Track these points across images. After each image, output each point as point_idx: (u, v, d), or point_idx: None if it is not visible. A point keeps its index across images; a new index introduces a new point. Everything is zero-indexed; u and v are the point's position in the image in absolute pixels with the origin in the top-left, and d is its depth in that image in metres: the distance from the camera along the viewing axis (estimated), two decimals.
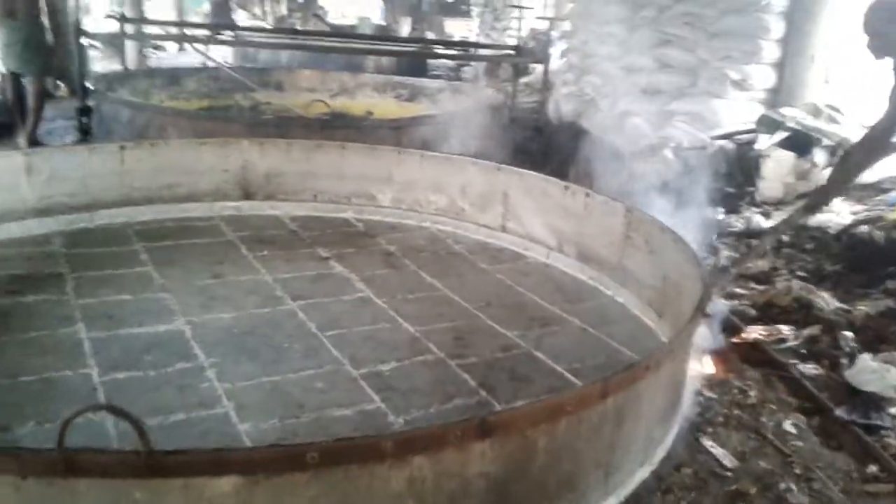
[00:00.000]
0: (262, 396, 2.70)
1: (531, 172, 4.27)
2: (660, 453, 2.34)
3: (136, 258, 3.92)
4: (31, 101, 7.06)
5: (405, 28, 23.50)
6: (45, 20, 6.99)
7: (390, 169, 4.67)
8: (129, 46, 13.55)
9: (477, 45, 8.85)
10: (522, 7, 8.40)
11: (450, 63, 12.88)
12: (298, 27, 20.75)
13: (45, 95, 7.22)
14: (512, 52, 8.66)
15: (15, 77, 7.07)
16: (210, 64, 9.10)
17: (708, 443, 2.53)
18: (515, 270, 4.09)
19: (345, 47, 8.86)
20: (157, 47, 16.61)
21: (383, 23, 26.50)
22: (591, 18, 8.21)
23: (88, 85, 6.74)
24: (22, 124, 7.00)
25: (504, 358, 3.08)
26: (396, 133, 5.76)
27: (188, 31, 10.88)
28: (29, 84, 7.12)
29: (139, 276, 3.69)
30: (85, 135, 6.91)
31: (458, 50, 9.46)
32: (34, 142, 6.96)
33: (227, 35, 11.19)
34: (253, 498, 1.62)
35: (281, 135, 5.36)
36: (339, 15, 30.87)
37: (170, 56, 15.54)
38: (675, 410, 2.48)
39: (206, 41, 8.87)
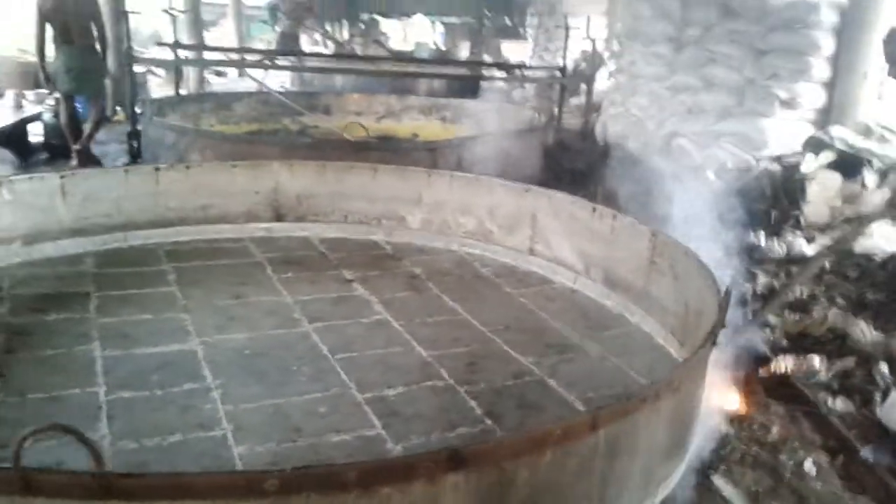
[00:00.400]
0: (263, 419, 2.67)
1: (559, 194, 4.18)
2: (662, 492, 2.22)
3: (163, 278, 3.97)
4: (90, 119, 7.41)
5: (464, 52, 23.67)
6: (98, 46, 7.26)
7: (420, 190, 4.64)
8: (191, 72, 14.04)
9: (520, 67, 8.77)
10: (568, 27, 8.29)
11: (502, 85, 12.89)
12: (359, 52, 21.15)
13: (102, 118, 7.50)
14: (558, 73, 8.59)
15: (69, 99, 7.39)
16: (264, 89, 9.30)
17: (719, 481, 2.39)
18: (540, 295, 4.00)
19: (392, 71, 8.92)
20: (219, 73, 17.12)
21: (443, 48, 26.78)
22: (638, 38, 8.09)
23: (137, 109, 6.92)
24: (75, 144, 7.27)
25: (515, 385, 2.99)
26: (432, 155, 5.73)
27: (246, 57, 11.13)
28: (88, 105, 7.49)
29: (163, 296, 3.72)
30: (134, 158, 7.11)
31: (501, 72, 9.41)
32: (87, 156, 7.20)
33: (284, 61, 11.46)
34: None
35: (318, 157, 5.39)
36: (400, 40, 31.32)
37: (230, 81, 15.96)
38: (683, 446, 2.36)
39: (265, 66, 9.06)
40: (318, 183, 4.74)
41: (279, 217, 4.78)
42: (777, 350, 3.35)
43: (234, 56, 10.16)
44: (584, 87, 12.15)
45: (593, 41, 8.27)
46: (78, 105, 7.46)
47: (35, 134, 7.84)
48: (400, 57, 14.83)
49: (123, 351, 3.12)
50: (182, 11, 8.18)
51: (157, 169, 4.56)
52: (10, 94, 8.21)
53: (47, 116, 7.69)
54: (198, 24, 15.02)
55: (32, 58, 14.19)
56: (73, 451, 2.40)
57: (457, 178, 4.57)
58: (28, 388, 2.78)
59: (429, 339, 3.37)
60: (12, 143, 7.24)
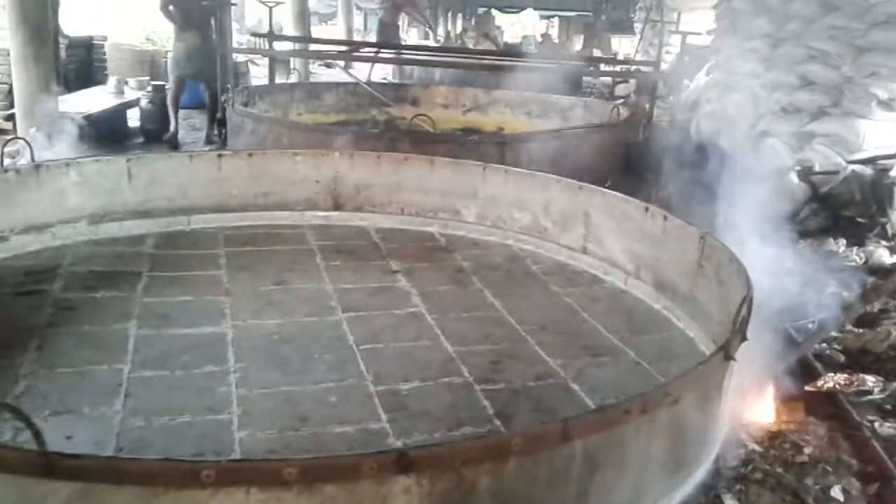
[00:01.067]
0: (272, 406, 2.68)
1: (613, 193, 4.01)
2: None
3: (215, 262, 4.06)
4: (208, 104, 7.95)
5: (577, 45, 23.36)
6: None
7: (475, 184, 4.57)
8: (296, 63, 14.40)
9: (608, 61, 8.53)
10: (664, 21, 8.00)
11: (607, 81, 12.60)
12: (472, 46, 21.17)
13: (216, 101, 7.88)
14: (649, 68, 8.30)
15: (181, 83, 7.90)
16: (354, 80, 9.43)
17: (730, 502, 2.22)
18: (587, 295, 3.85)
19: (473, 63, 8.87)
20: (328, 65, 17.50)
21: (555, 41, 26.52)
22: (735, 33, 7.71)
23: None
24: (176, 124, 7.82)
25: (535, 387, 2.89)
26: (500, 149, 5.63)
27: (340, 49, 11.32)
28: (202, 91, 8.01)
29: (209, 279, 3.80)
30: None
31: (589, 65, 9.18)
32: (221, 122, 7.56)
33: (367, 52, 11.56)
34: None
35: (387, 147, 5.41)
36: (515, 35, 31.20)
37: (338, 72, 16.27)
38: (689, 463, 2.20)
39: (350, 58, 9.20)
40: (375, 173, 4.73)
41: (338, 206, 4.80)
42: (832, 365, 3.09)
43: (329, 48, 10.31)
44: (688, 84, 11.75)
45: (683, 36, 7.93)
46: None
47: (132, 119, 8.24)
48: (494, 51, 14.73)
49: (157, 331, 3.20)
50: (278, 2, 8.33)
51: (220, 155, 4.67)
52: (112, 81, 8.65)
53: (144, 103, 8.06)
54: (304, 15, 15.41)
55: (150, 47, 15.00)
56: (87, 426, 2.51)
57: (511, 173, 4.47)
58: (59, 363, 2.89)
59: (458, 334, 3.30)
60: (110, 127, 7.61)
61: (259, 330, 3.27)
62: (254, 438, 2.48)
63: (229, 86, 6.89)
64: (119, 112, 7.95)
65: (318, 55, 9.67)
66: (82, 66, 10.33)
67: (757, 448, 2.51)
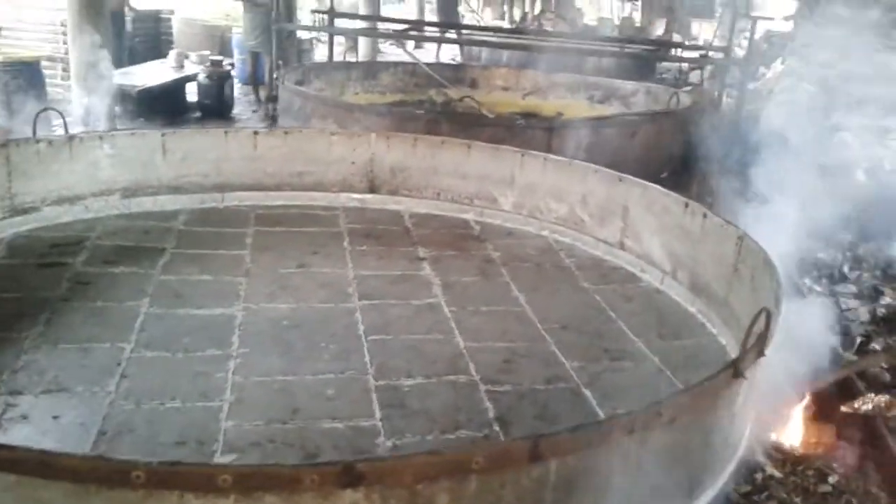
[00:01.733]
0: (266, 395, 2.59)
1: (654, 185, 3.78)
2: None
3: (241, 241, 4.00)
4: (266, 75, 8.19)
5: (659, 29, 22.71)
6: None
7: (513, 171, 4.39)
8: (362, 42, 14.37)
9: (676, 46, 8.18)
10: (737, 6, 7.61)
11: (683, 66, 12.14)
12: (549, 28, 20.79)
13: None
14: (719, 54, 7.92)
15: (254, 56, 8.19)
16: (412, 59, 9.31)
17: None
18: (619, 294, 3.65)
19: (548, 46, 8.64)
20: (401, 45, 17.42)
21: (637, 24, 25.82)
22: (812, 20, 7.27)
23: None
24: (257, 96, 8.05)
25: (543, 391, 2.72)
26: (547, 135, 5.43)
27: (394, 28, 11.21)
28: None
29: (231, 259, 3.75)
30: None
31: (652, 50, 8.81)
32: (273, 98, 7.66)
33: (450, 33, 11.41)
34: None
35: (431, 130, 5.28)
36: (591, 16, 30.47)
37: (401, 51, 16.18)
38: (691, 489, 2.01)
39: (408, 37, 9.07)
40: (411, 156, 4.60)
41: (373, 189, 4.70)
42: (876, 384, 2.83)
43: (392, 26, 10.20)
44: (764, 71, 11.22)
45: (754, 21, 7.51)
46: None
47: (190, 93, 8.30)
48: (565, 33, 14.37)
49: (167, 310, 3.16)
50: None
51: (256, 133, 4.61)
52: (172, 54, 8.74)
53: (202, 77, 8.11)
54: None
55: (221, 23, 15.19)
56: (76, 405, 2.47)
57: (550, 161, 4.28)
58: (63, 338, 2.87)
59: (473, 329, 3.16)
60: (167, 100, 7.68)
61: (270, 314, 3.19)
62: (240, 429, 2.40)
63: (280, 62, 6.83)
64: (176, 86, 8.02)
65: (377, 33, 9.52)
66: (149, 40, 10.49)
67: (776, 473, 2.30)
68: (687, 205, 3.51)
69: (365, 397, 2.61)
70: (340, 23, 9.67)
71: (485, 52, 13.81)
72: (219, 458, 2.23)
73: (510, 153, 4.40)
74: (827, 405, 2.62)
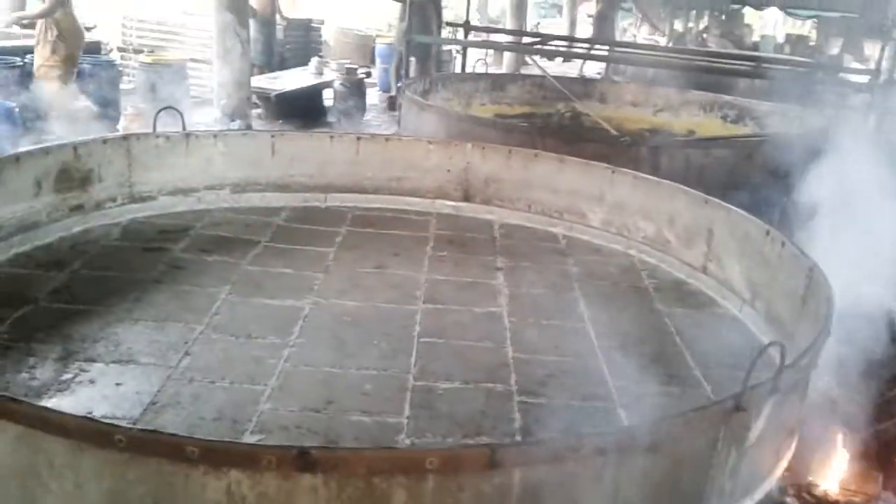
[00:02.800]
0: (308, 384, 2.74)
1: (738, 210, 3.64)
2: None
3: (332, 239, 4.21)
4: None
5: (835, 49, 21.50)
6: None
7: (602, 188, 4.35)
8: (506, 56, 14.53)
9: (826, 67, 7.73)
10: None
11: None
12: (713, 46, 20.20)
13: None
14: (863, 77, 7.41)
15: (399, 59, 8.66)
16: (541, 72, 9.33)
17: None
18: (692, 318, 3.54)
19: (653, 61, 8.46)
20: (550, 58, 17.45)
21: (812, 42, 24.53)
22: None
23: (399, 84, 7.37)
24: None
25: (578, 407, 2.70)
26: (654, 154, 5.32)
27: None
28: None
29: (317, 255, 3.95)
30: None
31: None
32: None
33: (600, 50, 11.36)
34: (80, 463, 1.69)
35: (533, 144, 5.31)
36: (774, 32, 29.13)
37: (554, 65, 16.20)
38: None
39: (538, 52, 9.13)
40: (505, 168, 4.66)
41: (467, 197, 4.78)
42: None
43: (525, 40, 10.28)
44: None
45: None
46: None
47: (327, 98, 8.74)
48: (722, 52, 13.88)
49: (243, 298, 3.39)
50: None
51: (359, 139, 4.82)
52: (313, 62, 9.23)
53: (337, 84, 8.52)
54: (520, 8, 15.50)
55: (373, 32, 15.83)
56: (139, 376, 2.71)
57: (640, 179, 4.20)
58: (145, 315, 3.15)
59: (527, 340, 3.18)
60: (303, 104, 8.14)
61: (335, 309, 3.36)
62: (275, 413, 2.55)
63: (402, 72, 7.08)
64: (314, 91, 8.47)
65: (504, 47, 9.63)
66: (300, 47, 11.13)
67: None
68: (768, 232, 3.36)
69: (399, 395, 2.70)
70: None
71: (630, 69, 13.63)
72: (247, 437, 2.39)
73: (600, 169, 4.36)
74: (882, 453, 2.44)
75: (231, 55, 6.54)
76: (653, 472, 1.83)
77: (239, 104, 6.57)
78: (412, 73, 9.58)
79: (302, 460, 1.58)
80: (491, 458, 1.63)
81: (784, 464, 2.30)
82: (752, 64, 8.49)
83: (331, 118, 8.71)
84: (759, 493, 2.16)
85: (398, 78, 9.02)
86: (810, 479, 2.33)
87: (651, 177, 4.20)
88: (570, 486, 1.73)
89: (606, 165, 4.35)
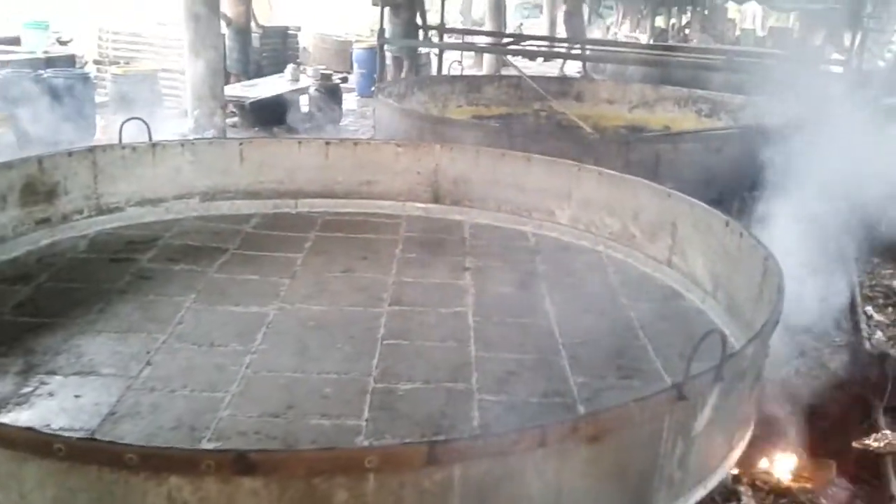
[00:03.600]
0: (269, 390, 2.74)
1: (700, 203, 3.67)
2: None
3: (300, 245, 4.21)
4: None
5: (818, 41, 21.62)
6: None
7: (569, 185, 4.37)
8: (486, 57, 14.55)
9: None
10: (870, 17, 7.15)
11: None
12: (695, 42, 20.26)
13: None
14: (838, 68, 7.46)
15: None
16: (524, 74, 9.36)
17: None
18: (657, 312, 3.56)
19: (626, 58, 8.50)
20: (531, 58, 17.48)
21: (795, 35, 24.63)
22: None
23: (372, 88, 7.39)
24: None
25: (537, 404, 2.72)
26: (624, 150, 5.34)
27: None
28: None
29: (284, 261, 3.96)
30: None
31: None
32: None
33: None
34: (23, 473, 1.69)
35: (510, 143, 5.32)
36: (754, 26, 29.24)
37: (537, 66, 16.24)
38: None
39: (559, 55, 9.16)
40: (473, 168, 4.68)
41: (437, 199, 4.80)
42: None
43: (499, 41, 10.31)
44: None
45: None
46: None
47: (304, 105, 8.74)
48: (698, 48, 13.97)
49: (208, 306, 3.39)
50: None
51: (328, 143, 4.83)
52: (289, 69, 9.23)
53: (312, 90, 8.53)
54: (500, 9, 15.52)
55: (352, 38, 15.83)
56: (98, 387, 2.71)
57: (605, 176, 4.22)
58: (108, 327, 3.15)
59: (490, 339, 3.19)
60: (278, 111, 8.14)
61: (300, 314, 3.36)
62: (233, 419, 2.56)
63: (375, 76, 7.09)
64: (288, 98, 8.47)
65: (481, 48, 9.67)
66: (276, 54, 11.13)
67: None
68: (727, 223, 3.39)
69: (359, 398, 2.71)
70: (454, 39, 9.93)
71: (609, 66, 13.68)
72: (204, 445, 2.40)
73: (566, 166, 4.38)
74: (838, 440, 2.47)
75: (202, 64, 6.54)
76: (597, 464, 1.84)
77: (212, 100, 6.55)
78: (393, 76, 9.64)
79: (241, 463, 1.59)
80: (430, 454, 1.64)
81: (738, 452, 2.32)
82: (722, 58, 8.54)
83: (307, 124, 8.70)
84: (712, 482, 2.18)
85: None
86: (764, 467, 2.35)
87: (615, 172, 4.21)
88: (512, 479, 1.75)
89: (572, 162, 4.37)
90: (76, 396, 2.64)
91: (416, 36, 9.46)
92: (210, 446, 2.38)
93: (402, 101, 7.52)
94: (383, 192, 4.84)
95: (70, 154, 4.15)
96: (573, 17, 14.59)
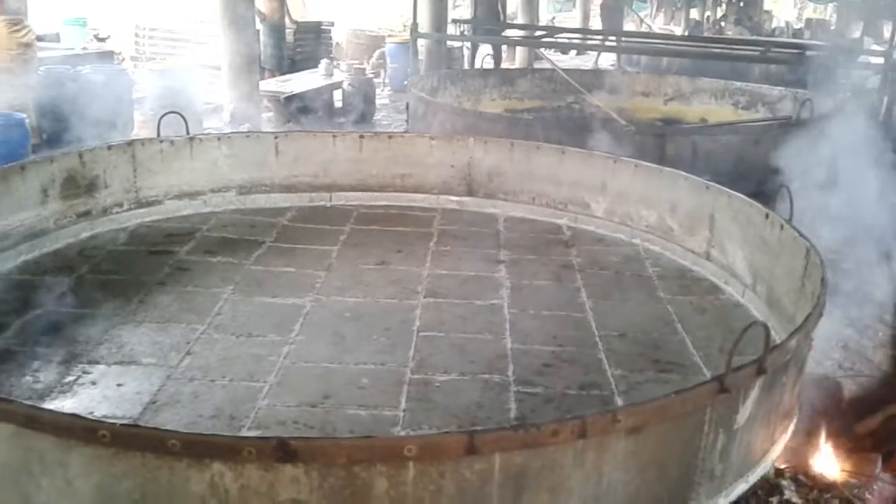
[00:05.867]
0: (306, 380, 2.76)
1: (739, 195, 3.61)
2: None
3: (335, 237, 4.23)
4: None
5: (856, 32, 21.25)
6: None
7: (605, 177, 4.33)
8: (518, 50, 14.49)
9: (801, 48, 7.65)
10: None
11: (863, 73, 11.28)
12: (730, 33, 20.01)
13: None
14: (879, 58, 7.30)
15: None
16: (550, 65, 9.31)
17: None
18: (695, 305, 3.52)
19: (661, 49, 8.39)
20: (563, 52, 17.37)
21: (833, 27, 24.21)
22: None
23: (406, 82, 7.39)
24: None
25: (574, 396, 2.71)
26: (660, 142, 5.29)
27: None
28: None
29: (320, 253, 3.98)
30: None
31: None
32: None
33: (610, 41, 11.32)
34: (69, 460, 1.72)
35: (534, 136, 5.30)
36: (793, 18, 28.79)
37: (570, 59, 16.14)
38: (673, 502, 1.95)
39: (594, 48, 9.10)
40: (508, 161, 4.65)
41: (471, 192, 4.79)
42: None
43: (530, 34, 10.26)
44: None
45: None
46: None
47: (337, 100, 8.78)
48: (738, 39, 13.78)
49: (245, 297, 3.42)
50: None
51: (362, 137, 4.85)
52: (322, 63, 9.27)
53: (346, 85, 8.56)
54: (531, 3, 15.45)
55: (385, 33, 15.88)
56: (139, 377, 2.75)
57: (641, 168, 4.18)
58: (149, 317, 3.20)
59: (526, 332, 3.18)
60: (312, 106, 8.18)
61: (336, 306, 3.38)
62: (272, 408, 2.58)
63: (409, 70, 7.09)
64: (322, 93, 8.51)
65: (514, 41, 9.62)
66: (310, 50, 11.18)
67: (795, 499, 2.16)
68: (767, 215, 3.33)
69: (395, 389, 2.72)
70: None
71: (644, 59, 13.54)
72: (244, 433, 2.42)
73: (602, 159, 4.35)
74: (882, 434, 2.42)
75: (238, 60, 6.59)
76: (637, 456, 1.82)
77: (247, 95, 6.59)
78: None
79: (282, 450, 1.60)
80: (469, 444, 1.64)
81: (780, 446, 2.28)
82: (760, 49, 8.40)
83: (340, 119, 8.74)
84: (754, 476, 2.15)
85: None
86: (806, 461, 2.31)
87: (652, 164, 4.17)
88: (552, 470, 1.74)
89: (608, 154, 4.33)
90: (118, 385, 2.69)
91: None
92: (249, 435, 2.40)
93: (435, 94, 7.53)
94: (417, 186, 4.84)
95: (110, 148, 4.21)
96: (612, 9, 14.44)
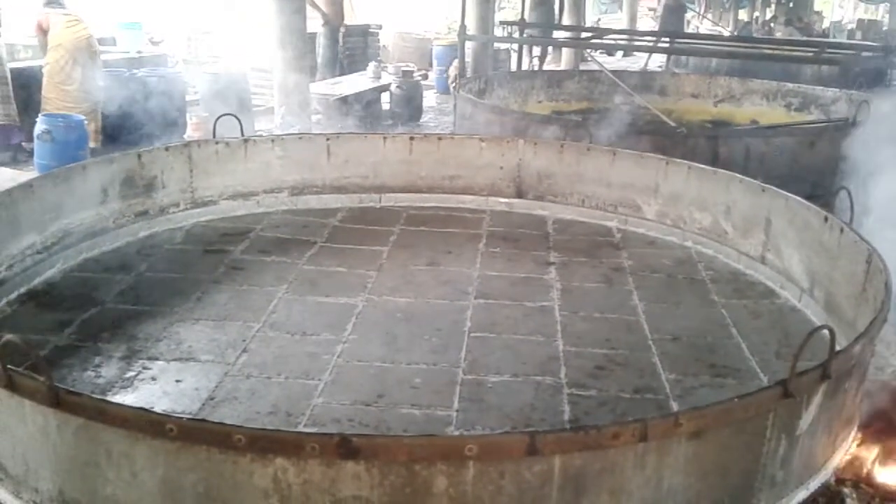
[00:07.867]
0: (360, 379, 2.79)
1: (796, 198, 3.55)
2: None
3: (385, 238, 4.26)
4: None
5: None
6: None
7: (657, 179, 4.29)
8: (564, 52, 14.44)
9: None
10: None
11: None
12: (780, 35, 19.68)
13: None
14: None
15: None
16: (605, 68, 9.25)
17: None
18: (750, 309, 3.46)
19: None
20: (610, 53, 17.24)
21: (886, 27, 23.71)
22: None
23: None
24: None
25: (628, 400, 2.69)
26: (713, 144, 5.22)
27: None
28: None
29: (371, 254, 4.01)
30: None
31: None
32: None
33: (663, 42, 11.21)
34: (135, 453, 1.77)
35: (583, 138, 5.27)
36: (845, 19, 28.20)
37: (617, 60, 16.05)
38: None
39: (642, 49, 9.04)
40: (557, 163, 4.64)
41: (520, 194, 4.79)
42: None
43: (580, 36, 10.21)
44: None
45: None
46: None
47: (385, 102, 8.84)
48: (789, 40, 13.54)
49: (299, 296, 3.47)
50: None
51: (412, 139, 4.87)
52: (371, 66, 9.34)
53: (394, 88, 8.61)
54: (578, 5, 15.36)
55: (432, 36, 15.94)
56: (197, 373, 2.80)
57: (694, 170, 4.13)
58: (206, 315, 3.26)
59: (578, 334, 3.17)
60: (361, 108, 8.26)
61: (388, 305, 3.41)
62: (327, 406, 2.61)
63: (456, 72, 7.11)
64: (371, 95, 8.58)
65: (560, 43, 9.59)
66: (358, 52, 11.28)
67: None
68: (826, 218, 3.27)
69: (448, 389, 2.73)
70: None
71: (692, 60, 13.39)
72: (300, 429, 2.46)
73: (654, 160, 4.31)
74: None
75: (289, 64, 6.69)
76: (698, 461, 1.81)
77: (299, 97, 6.67)
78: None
79: (343, 447, 1.62)
80: (530, 445, 1.64)
81: (842, 453, 2.24)
82: (814, 50, 8.24)
83: (388, 121, 8.80)
84: (815, 484, 2.11)
85: None
86: (869, 468, 2.26)
87: (706, 166, 4.12)
88: (612, 473, 1.73)
89: (660, 156, 4.29)
90: (177, 381, 2.74)
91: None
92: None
93: (482, 96, 7.54)
94: (466, 187, 4.85)
95: (167, 149, 4.30)
96: (674, 10, 14.23)
